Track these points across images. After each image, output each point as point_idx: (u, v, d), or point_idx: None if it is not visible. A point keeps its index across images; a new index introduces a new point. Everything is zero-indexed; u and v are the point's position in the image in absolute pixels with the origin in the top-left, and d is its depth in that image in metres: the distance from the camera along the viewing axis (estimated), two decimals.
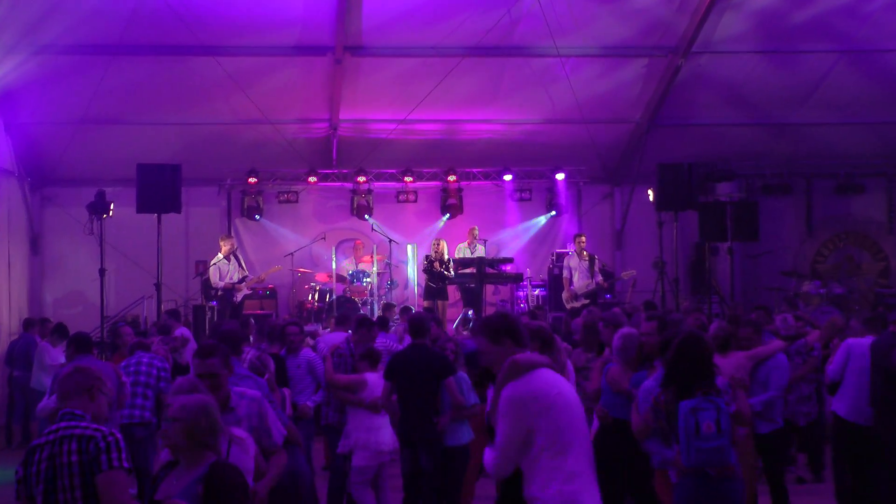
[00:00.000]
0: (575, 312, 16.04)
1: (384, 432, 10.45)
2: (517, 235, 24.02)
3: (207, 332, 18.13)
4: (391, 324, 16.13)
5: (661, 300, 19.53)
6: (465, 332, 14.93)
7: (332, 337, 13.42)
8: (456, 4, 19.90)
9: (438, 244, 20.60)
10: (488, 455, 5.51)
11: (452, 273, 20.34)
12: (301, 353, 11.56)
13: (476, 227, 21.70)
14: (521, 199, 23.73)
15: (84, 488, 5.28)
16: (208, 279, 20.60)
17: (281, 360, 11.16)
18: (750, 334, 10.26)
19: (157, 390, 11.14)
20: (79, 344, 10.77)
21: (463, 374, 10.19)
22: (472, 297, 20.33)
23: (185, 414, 5.47)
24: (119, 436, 5.41)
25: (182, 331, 15.58)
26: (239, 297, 20.06)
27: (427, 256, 20.70)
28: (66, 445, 5.35)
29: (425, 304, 20.30)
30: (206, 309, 20.10)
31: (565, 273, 20.81)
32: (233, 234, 22.13)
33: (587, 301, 19.90)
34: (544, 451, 5.33)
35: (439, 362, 10.12)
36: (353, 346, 11.35)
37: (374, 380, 10.62)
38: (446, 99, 21.31)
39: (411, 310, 16.91)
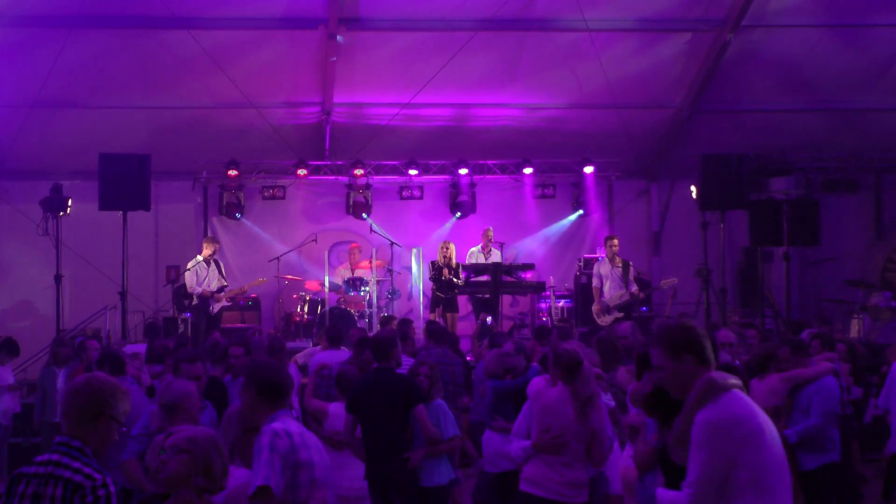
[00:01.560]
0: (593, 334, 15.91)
1: (347, 472, 10.21)
2: (538, 238, 24.00)
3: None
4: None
5: (705, 314, 19.43)
6: (484, 344, 14.78)
7: (324, 358, 13.35)
8: None
9: (446, 248, 20.53)
10: (669, 496, 5.42)
11: (461, 281, 20.26)
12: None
13: (491, 229, 21.61)
14: (543, 196, 23.70)
15: None
16: (181, 287, 20.54)
17: (222, 386, 11.08)
18: (787, 354, 10.15)
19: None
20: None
21: (441, 402, 9.98)
22: (486, 310, 20.21)
23: (195, 446, 5.51)
24: (113, 488, 5.34)
25: (133, 348, 15.48)
26: (216, 308, 20.01)
27: (433, 263, 20.62)
28: (52, 489, 5.30)
29: (432, 316, 20.20)
30: (179, 321, 20.02)
31: (595, 282, 20.70)
32: (209, 234, 22.06)
33: (620, 314, 19.79)
34: (747, 492, 5.12)
35: (406, 388, 9.84)
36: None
37: (337, 410, 10.56)
38: (456, 80, 21.27)
39: (411, 323, 16.82)
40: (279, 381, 6.44)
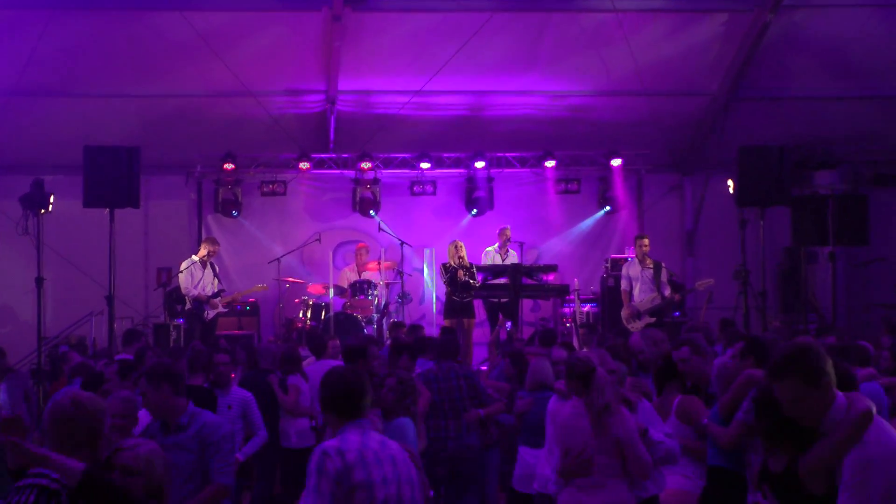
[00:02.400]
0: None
1: None
2: (562, 237, 23.97)
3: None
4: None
5: (743, 319, 19.32)
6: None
7: (322, 367, 13.24)
8: None
9: (457, 247, 20.37)
10: None
11: (476, 283, 20.18)
12: (232, 390, 11.55)
13: (508, 227, 21.54)
14: (567, 192, 23.65)
15: None
16: (173, 290, 20.49)
17: (210, 394, 11.00)
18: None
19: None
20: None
21: (403, 421, 9.84)
22: (504, 315, 20.15)
23: (150, 468, 5.57)
24: None
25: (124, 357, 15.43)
26: (212, 314, 19.96)
27: (445, 266, 20.45)
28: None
29: (447, 323, 20.10)
30: (171, 328, 19.97)
31: (623, 284, 20.62)
32: (204, 233, 22.03)
33: (652, 319, 19.72)
34: None
35: None
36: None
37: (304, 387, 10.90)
38: (472, 65, 21.22)
39: (420, 328, 16.77)
40: (349, 390, 6.25)
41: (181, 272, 19.94)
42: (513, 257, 21.12)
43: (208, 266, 20.10)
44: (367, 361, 10.45)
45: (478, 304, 20.81)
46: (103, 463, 5.59)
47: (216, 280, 20.13)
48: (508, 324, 19.02)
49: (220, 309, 20.16)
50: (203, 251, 20.10)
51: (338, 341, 15.79)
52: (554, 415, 8.59)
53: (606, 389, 8.17)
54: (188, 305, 19.89)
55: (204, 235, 22.17)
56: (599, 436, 8.07)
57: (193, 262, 19.97)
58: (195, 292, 19.76)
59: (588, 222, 24.00)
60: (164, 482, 5.60)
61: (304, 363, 15.22)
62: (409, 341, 12.62)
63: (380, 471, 6.10)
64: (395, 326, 17.99)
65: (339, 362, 13.48)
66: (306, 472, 6.11)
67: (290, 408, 12.82)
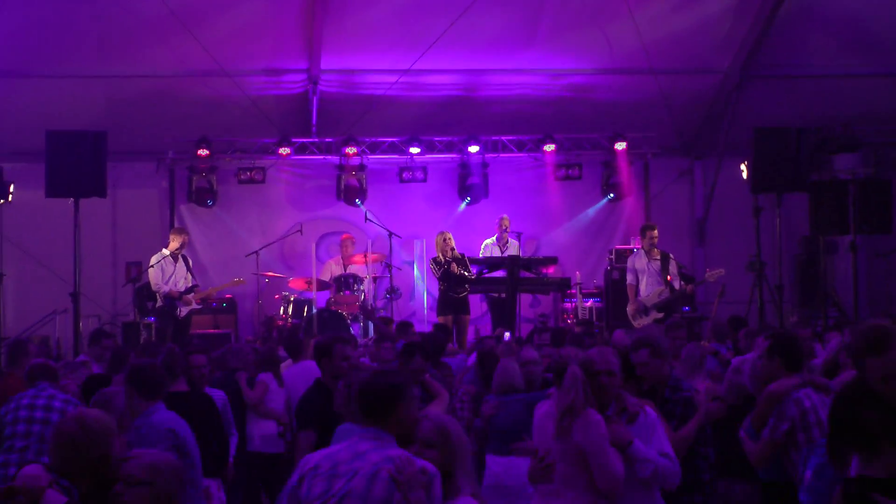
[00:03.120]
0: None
1: None
2: (562, 227, 24.00)
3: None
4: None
5: (758, 314, 19.33)
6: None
7: (301, 369, 13.25)
8: None
9: (445, 239, 20.32)
10: None
11: (471, 275, 20.13)
12: (206, 390, 11.39)
13: (506, 217, 21.52)
14: (568, 178, 23.63)
15: None
16: (143, 286, 20.40)
17: (202, 397, 10.93)
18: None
19: None
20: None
21: (346, 426, 9.79)
22: (499, 312, 20.12)
23: (156, 476, 5.48)
24: None
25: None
26: (185, 311, 19.90)
27: (436, 260, 20.41)
28: None
29: (440, 319, 20.07)
30: (141, 327, 19.90)
31: (629, 278, 20.57)
32: (177, 225, 21.96)
33: (660, 315, 19.69)
34: None
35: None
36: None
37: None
38: (465, 41, 21.18)
39: (411, 326, 16.72)
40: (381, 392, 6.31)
41: (151, 267, 19.86)
42: (513, 248, 21.07)
43: (180, 260, 20.02)
44: (331, 360, 10.31)
45: (473, 300, 20.81)
46: (106, 479, 5.59)
47: (189, 275, 20.05)
48: (507, 334, 18.82)
49: (194, 306, 20.08)
50: (174, 243, 20.00)
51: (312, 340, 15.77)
52: (539, 416, 8.54)
53: (573, 390, 8.03)
54: (159, 302, 19.82)
55: (177, 224, 22.11)
56: (560, 440, 7.91)
57: (164, 256, 19.88)
58: (166, 288, 19.67)
59: (591, 211, 24.03)
60: (174, 490, 5.52)
61: (282, 365, 15.23)
62: (419, 341, 12.48)
63: (324, 485, 6.07)
64: (383, 322, 17.95)
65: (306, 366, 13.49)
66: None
67: (255, 404, 12.78)
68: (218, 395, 11.61)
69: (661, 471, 7.83)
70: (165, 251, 19.92)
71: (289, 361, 14.38)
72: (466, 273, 19.99)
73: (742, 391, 9.34)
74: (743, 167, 20.60)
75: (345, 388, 9.22)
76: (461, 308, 20.17)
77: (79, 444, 5.65)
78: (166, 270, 19.79)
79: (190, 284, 19.93)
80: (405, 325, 16.85)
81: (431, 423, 6.07)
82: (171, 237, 20.10)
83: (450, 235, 20.35)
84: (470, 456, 6.14)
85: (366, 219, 22.24)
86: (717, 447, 9.12)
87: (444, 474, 5.96)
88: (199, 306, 20.40)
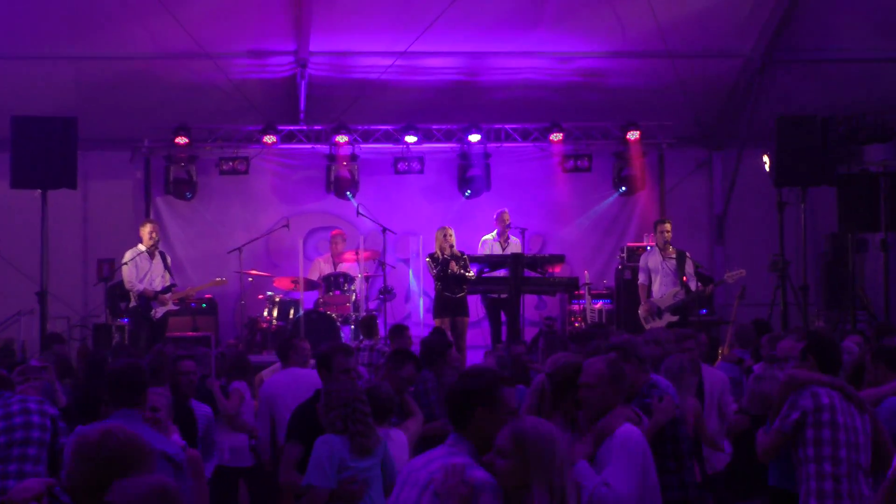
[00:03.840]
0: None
1: None
2: (570, 223, 23.97)
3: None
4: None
5: (781, 318, 19.30)
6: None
7: (289, 376, 13.16)
8: None
9: (445, 235, 20.34)
10: None
11: (471, 274, 20.12)
12: (192, 404, 11.37)
13: (506, 211, 21.51)
14: (577, 170, 23.61)
15: None
16: (116, 285, 20.40)
17: (186, 410, 10.87)
18: (884, 371, 9.98)
19: (53, 450, 10.73)
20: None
21: (324, 439, 9.78)
22: (500, 314, 20.10)
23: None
24: None
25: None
26: (160, 312, 19.88)
27: (433, 257, 20.42)
28: None
29: (437, 322, 20.08)
30: (114, 329, 19.87)
31: (641, 277, 20.62)
32: (154, 218, 21.92)
33: (674, 318, 19.69)
34: None
35: None
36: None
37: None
38: (466, 22, 21.19)
39: (405, 330, 16.69)
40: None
41: (125, 264, 19.83)
42: (515, 246, 21.08)
43: (157, 256, 19.98)
44: (330, 373, 10.35)
45: (472, 301, 20.79)
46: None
47: (167, 273, 20.03)
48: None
49: (171, 306, 20.05)
50: (148, 238, 19.94)
51: (307, 344, 15.71)
52: None
53: (534, 397, 8.14)
54: (133, 302, 19.78)
55: (153, 218, 22.04)
56: None
57: (139, 252, 19.83)
58: (141, 287, 19.64)
59: (601, 205, 24.02)
60: None
61: (269, 370, 15.20)
62: (407, 349, 12.44)
63: (396, 493, 6.39)
64: (367, 324, 17.79)
65: (308, 371, 13.44)
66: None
67: (231, 415, 12.73)
68: (202, 412, 11.53)
69: (595, 499, 7.81)
70: (141, 247, 19.88)
71: (277, 365, 14.39)
72: (466, 272, 19.98)
73: (766, 401, 9.28)
74: (765, 159, 20.54)
75: (325, 397, 9.29)
76: (459, 310, 20.17)
77: (98, 460, 5.58)
78: (141, 268, 19.75)
79: (167, 283, 19.90)
80: (399, 329, 16.80)
81: (509, 429, 5.94)
82: (144, 231, 20.02)
83: (451, 231, 20.36)
84: (558, 468, 5.98)
85: (358, 213, 22.21)
86: (737, 464, 9.11)
87: (519, 487, 5.88)
88: (177, 307, 20.37)
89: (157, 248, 19.95)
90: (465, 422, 6.22)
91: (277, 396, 12.60)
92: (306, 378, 12.65)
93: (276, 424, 12.51)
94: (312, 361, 13.71)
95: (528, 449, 5.89)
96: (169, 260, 20.40)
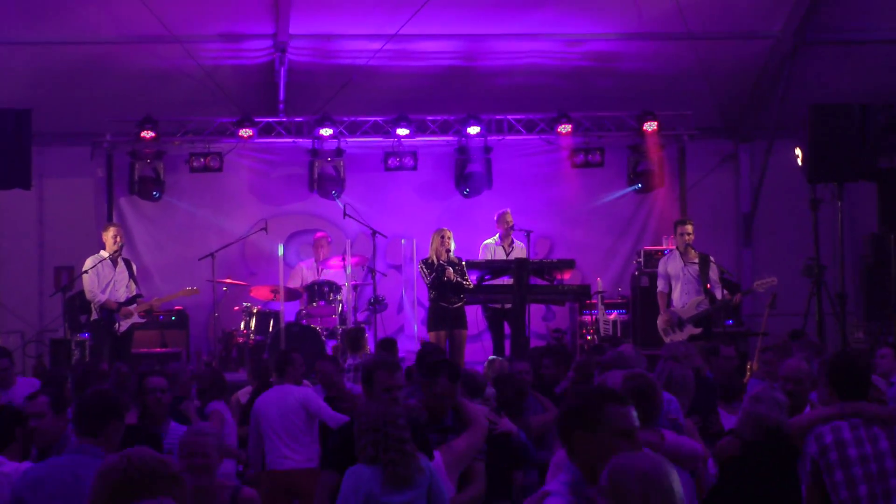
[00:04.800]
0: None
1: None
2: (581, 224, 24.01)
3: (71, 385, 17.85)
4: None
5: (816, 329, 19.29)
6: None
7: (279, 395, 13.26)
8: None
9: (443, 238, 20.28)
10: None
11: (470, 283, 20.09)
12: (171, 426, 11.27)
13: (509, 212, 21.45)
14: (588, 165, 23.62)
15: None
16: (76, 296, 20.38)
17: (152, 437, 10.79)
18: None
19: None
20: None
21: (363, 468, 9.80)
22: (504, 326, 20.09)
23: None
24: None
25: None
26: (125, 325, 19.85)
27: (427, 262, 20.36)
28: None
29: (431, 336, 20.04)
30: (74, 345, 19.82)
31: (660, 284, 20.57)
32: (115, 221, 21.91)
33: (697, 330, 19.65)
34: None
35: None
36: None
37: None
38: (465, 0, 21.22)
39: (393, 343, 16.71)
40: None
41: (85, 272, 19.80)
42: (519, 250, 21.04)
43: (121, 264, 19.96)
44: (371, 390, 10.28)
45: (472, 312, 20.76)
46: None
47: (132, 282, 20.01)
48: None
49: (136, 319, 20.03)
50: (109, 241, 19.92)
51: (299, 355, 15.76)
52: None
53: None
54: (94, 315, 19.76)
55: (116, 221, 22.03)
56: None
57: (102, 259, 19.82)
58: (103, 297, 19.61)
59: (615, 204, 24.08)
60: None
61: (245, 390, 15.24)
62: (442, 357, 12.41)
63: None
64: (354, 336, 17.71)
65: (302, 389, 13.48)
66: None
67: None
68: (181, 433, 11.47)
69: None
70: (103, 253, 19.85)
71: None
72: (463, 281, 19.93)
73: (762, 424, 9.20)
74: (798, 151, 20.50)
75: (356, 420, 9.25)
76: (456, 322, 20.09)
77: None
78: (103, 276, 19.71)
79: (132, 293, 19.89)
80: (388, 343, 16.80)
81: (610, 465, 5.66)
82: (106, 235, 20.01)
83: (449, 234, 20.30)
84: None
85: (344, 214, 22.16)
86: (727, 495, 9.06)
87: None
88: (143, 320, 20.33)
89: (121, 254, 19.93)
90: (567, 446, 6.17)
91: (262, 417, 12.92)
92: (298, 396, 13.05)
93: (262, 441, 12.96)
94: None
95: (619, 488, 5.49)
96: (134, 268, 20.37)
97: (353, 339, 17.50)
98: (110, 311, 19.57)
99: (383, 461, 8.91)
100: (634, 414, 6.23)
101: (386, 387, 9.91)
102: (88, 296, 19.74)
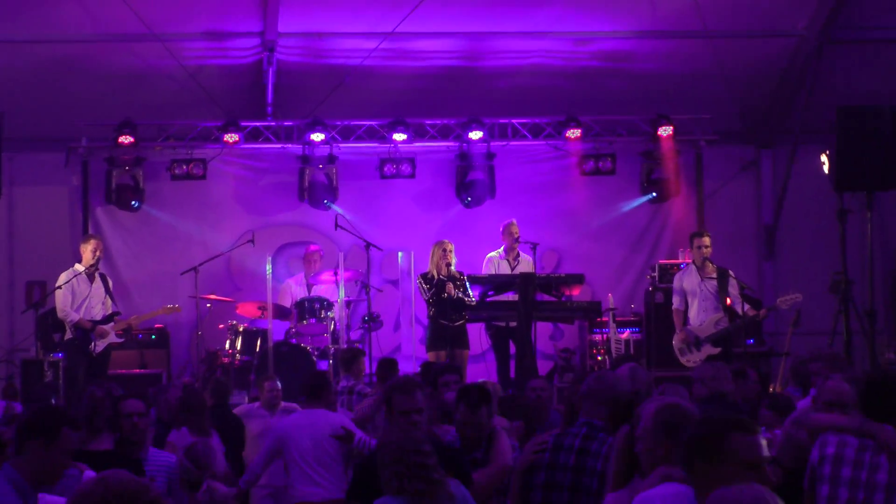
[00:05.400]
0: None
1: None
2: (590, 235, 24.01)
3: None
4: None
5: (844, 347, 19.24)
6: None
7: (308, 419, 13.38)
8: None
9: (444, 251, 20.28)
10: None
11: (472, 300, 20.06)
12: (150, 452, 11.22)
13: (515, 223, 21.45)
14: (598, 172, 23.60)
15: None
16: (49, 313, 20.32)
17: (132, 463, 10.72)
18: None
19: None
20: None
21: (389, 500, 9.81)
22: (509, 345, 20.03)
23: None
24: None
25: None
26: (101, 345, 19.80)
27: (426, 277, 20.37)
28: None
29: (430, 356, 20.02)
30: (46, 365, 19.78)
31: (675, 301, 20.55)
32: (91, 232, 21.86)
33: (716, 350, 19.61)
34: None
35: None
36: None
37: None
38: None
39: (394, 364, 16.69)
40: None
41: (58, 288, 19.74)
42: (525, 264, 21.06)
43: (98, 279, 19.90)
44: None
45: (474, 331, 20.73)
46: None
47: (109, 298, 19.96)
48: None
49: (113, 339, 19.99)
50: (87, 255, 19.86)
51: (277, 383, 15.71)
52: None
53: None
54: (69, 334, 19.70)
55: (92, 232, 21.99)
56: None
57: (77, 274, 19.76)
58: (76, 316, 19.54)
59: (627, 215, 24.07)
60: None
61: (244, 410, 15.29)
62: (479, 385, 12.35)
63: None
64: (350, 357, 17.58)
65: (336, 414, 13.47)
66: None
67: None
68: (164, 460, 11.39)
69: None
70: (78, 267, 19.79)
71: (256, 404, 14.46)
72: (465, 296, 19.89)
73: (804, 451, 9.14)
74: (824, 158, 20.48)
75: (378, 449, 9.24)
76: (457, 341, 20.13)
77: None
78: (79, 293, 19.66)
79: (109, 311, 19.84)
80: (388, 365, 16.75)
81: (710, 498, 5.64)
82: (83, 247, 19.96)
83: (450, 247, 20.38)
84: None
85: (336, 225, 22.15)
86: None
87: None
88: (120, 340, 20.31)
89: (97, 268, 19.86)
90: (690, 477, 6.16)
91: (292, 443, 13.04)
92: (334, 423, 13.22)
93: (287, 469, 13.18)
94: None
95: None
96: (111, 283, 20.33)
97: (347, 359, 17.36)
98: (85, 331, 19.51)
99: (409, 492, 8.92)
100: (763, 443, 6.12)
101: (402, 409, 9.97)
102: (60, 315, 19.65)
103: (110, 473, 5.82)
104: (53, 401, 13.95)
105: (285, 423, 13.41)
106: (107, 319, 19.77)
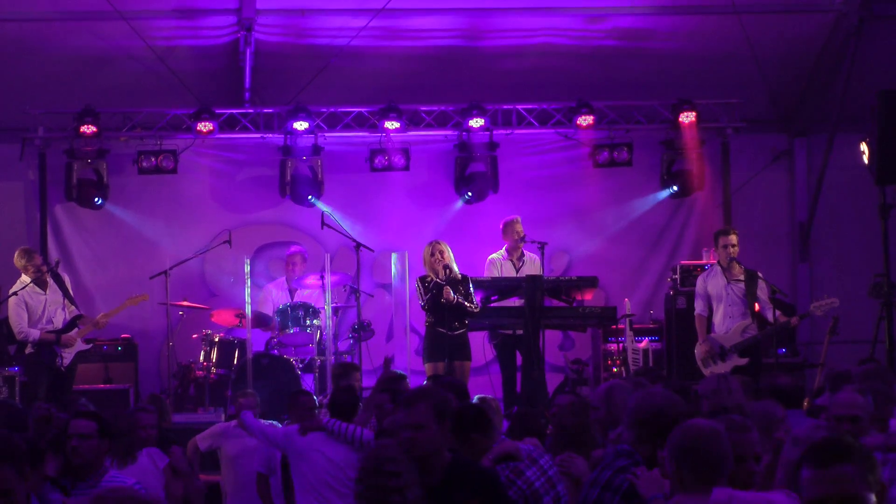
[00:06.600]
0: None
1: None
2: (605, 234, 24.19)
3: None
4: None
5: (886, 356, 19.47)
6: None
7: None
8: None
9: (440, 252, 20.16)
10: None
11: (475, 306, 20.04)
12: (109, 475, 10.75)
13: (519, 221, 21.51)
14: (613, 164, 23.73)
15: None
16: (3, 322, 20.44)
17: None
18: None
19: None
20: None
21: None
22: (515, 356, 20.22)
23: None
24: None
25: None
26: (69, 357, 19.93)
27: (423, 281, 20.34)
28: None
29: (428, 368, 20.07)
30: (1, 381, 19.91)
31: (698, 306, 20.63)
32: (50, 233, 22.05)
33: (743, 361, 19.73)
34: None
35: None
36: None
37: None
38: None
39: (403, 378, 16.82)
40: None
41: (3, 302, 19.90)
42: (531, 266, 21.15)
43: (50, 284, 20.00)
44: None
45: (477, 340, 20.93)
46: None
47: (68, 302, 20.08)
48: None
49: (81, 346, 20.05)
50: (30, 272, 19.91)
51: (253, 398, 15.65)
52: None
53: None
54: (29, 349, 19.84)
55: (50, 233, 22.19)
56: None
57: (25, 286, 19.85)
58: (37, 333, 19.64)
59: (645, 211, 24.20)
60: None
61: (206, 433, 15.46)
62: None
63: None
64: (345, 370, 17.67)
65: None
66: None
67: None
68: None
69: None
70: (25, 278, 19.87)
71: (232, 423, 14.67)
72: (467, 302, 20.06)
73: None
74: (864, 147, 20.58)
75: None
76: (458, 351, 20.02)
77: None
78: (34, 307, 19.77)
79: (70, 316, 19.98)
80: (397, 379, 16.81)
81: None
82: (20, 259, 20.03)
83: (446, 246, 20.12)
84: None
85: (322, 224, 22.19)
86: None
87: None
88: (89, 346, 20.40)
89: (46, 273, 19.95)
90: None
91: (307, 464, 12.89)
92: None
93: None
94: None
95: None
96: (67, 280, 20.42)
97: (338, 375, 17.35)
98: (51, 345, 19.67)
99: None
100: None
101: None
102: (18, 336, 19.78)
103: (105, 491, 6.13)
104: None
105: (303, 442, 12.93)
106: (70, 326, 19.87)
